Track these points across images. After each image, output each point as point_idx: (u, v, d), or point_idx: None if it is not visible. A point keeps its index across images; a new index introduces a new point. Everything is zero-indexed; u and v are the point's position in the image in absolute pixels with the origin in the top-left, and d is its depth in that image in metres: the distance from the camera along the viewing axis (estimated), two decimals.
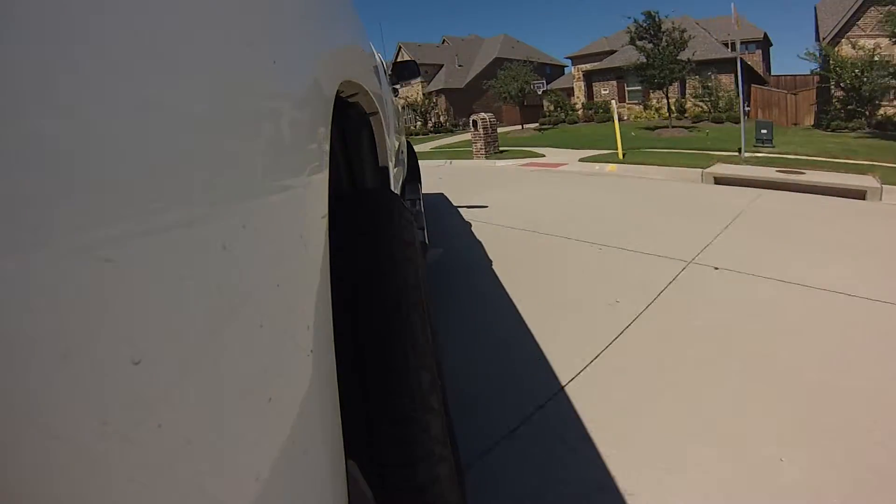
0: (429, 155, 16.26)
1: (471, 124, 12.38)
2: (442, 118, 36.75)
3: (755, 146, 10.31)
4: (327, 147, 0.63)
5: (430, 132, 33.33)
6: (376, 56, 1.91)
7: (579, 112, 25.81)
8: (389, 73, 3.44)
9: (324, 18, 0.82)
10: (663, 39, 16.34)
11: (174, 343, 0.31)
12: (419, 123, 36.42)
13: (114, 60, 0.29)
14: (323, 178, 0.59)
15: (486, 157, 11.97)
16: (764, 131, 10.72)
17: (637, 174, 8.12)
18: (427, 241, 2.77)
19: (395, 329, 0.72)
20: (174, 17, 0.35)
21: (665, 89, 17.03)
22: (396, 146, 2.32)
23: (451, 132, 31.51)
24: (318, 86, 0.65)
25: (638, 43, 16.62)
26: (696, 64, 18.14)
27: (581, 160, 10.12)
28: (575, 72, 30.66)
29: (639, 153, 10.41)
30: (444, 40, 42.57)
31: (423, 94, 37.95)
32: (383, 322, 0.72)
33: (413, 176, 4.70)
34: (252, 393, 0.38)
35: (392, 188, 1.57)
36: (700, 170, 7.59)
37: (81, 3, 0.28)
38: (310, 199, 0.54)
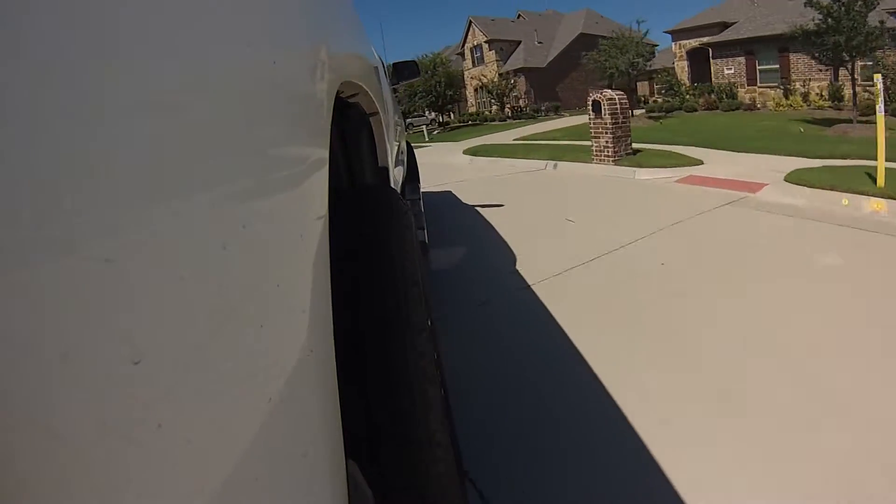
0: (514, 151, 11.22)
1: (590, 108, 8.05)
2: (521, 102, 31.16)
3: None
4: (327, 147, 0.63)
5: (508, 118, 28.12)
6: (376, 56, 1.88)
7: (700, 99, 19.44)
8: (389, 73, 3.52)
9: (324, 19, 0.81)
10: None
11: (174, 343, 0.31)
12: (494, 108, 30.81)
13: (114, 60, 0.29)
14: (323, 178, 0.59)
15: (615, 162, 7.81)
16: None
17: None
18: (427, 242, 2.86)
19: (396, 329, 0.72)
20: (173, 17, 0.35)
21: (851, 66, 12.24)
22: (396, 146, 2.31)
23: (533, 118, 26.51)
24: (318, 86, 0.65)
25: None
26: None
27: (789, 180, 5.82)
28: (676, 49, 25.19)
29: None
30: (519, 15, 37.36)
31: (499, 75, 31.76)
32: (383, 321, 0.72)
33: (412, 176, 4.57)
34: (252, 393, 0.38)
35: (392, 187, 1.54)
36: None
37: (79, 3, 0.27)
38: (310, 198, 0.54)
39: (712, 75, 21.62)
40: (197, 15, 0.38)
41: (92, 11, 0.28)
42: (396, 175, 2.09)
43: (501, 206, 5.92)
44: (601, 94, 7.88)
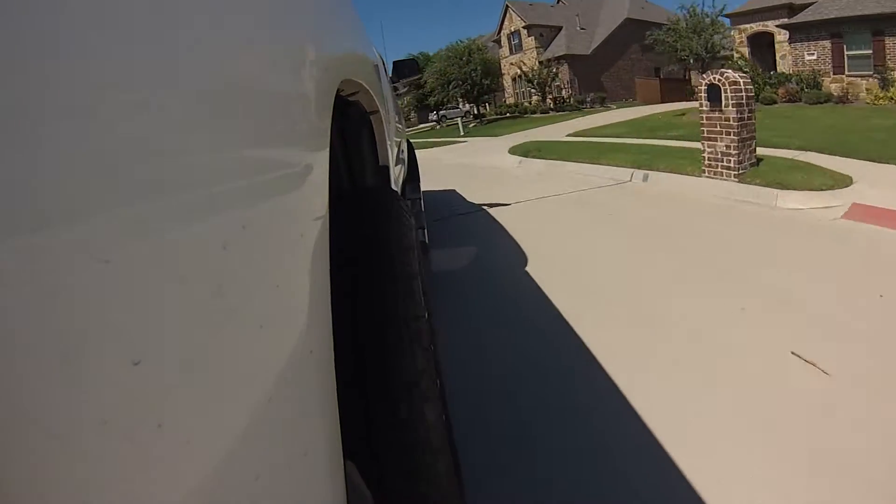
0: (575, 152, 8.63)
1: (703, 96, 5.41)
2: (564, 92, 28.58)
3: None
4: (327, 146, 0.62)
5: (550, 110, 25.48)
6: (376, 54, 1.87)
7: (779, 89, 17.03)
8: (390, 71, 3.49)
9: (323, 17, 0.80)
10: None
11: (174, 343, 0.30)
12: (535, 98, 28.26)
13: (114, 61, 0.29)
14: (323, 177, 0.58)
15: (739, 176, 5.30)
16: None
17: None
18: (427, 241, 2.75)
19: (395, 330, 0.71)
20: (172, 17, 0.35)
21: None
22: (397, 145, 2.30)
23: (578, 110, 24.04)
24: (318, 85, 0.64)
25: None
26: None
27: None
28: (736, 35, 22.98)
29: None
30: (558, 0, 35.53)
31: (540, 62, 29.08)
32: (383, 322, 0.71)
33: (413, 175, 4.46)
34: (252, 393, 0.38)
35: (392, 187, 1.55)
36: None
37: (80, 4, 0.27)
38: (310, 198, 0.53)
39: (777, 62, 18.97)
40: (196, 14, 0.38)
41: (91, 11, 0.27)
42: (397, 174, 2.05)
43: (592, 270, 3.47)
44: (721, 75, 5.27)
